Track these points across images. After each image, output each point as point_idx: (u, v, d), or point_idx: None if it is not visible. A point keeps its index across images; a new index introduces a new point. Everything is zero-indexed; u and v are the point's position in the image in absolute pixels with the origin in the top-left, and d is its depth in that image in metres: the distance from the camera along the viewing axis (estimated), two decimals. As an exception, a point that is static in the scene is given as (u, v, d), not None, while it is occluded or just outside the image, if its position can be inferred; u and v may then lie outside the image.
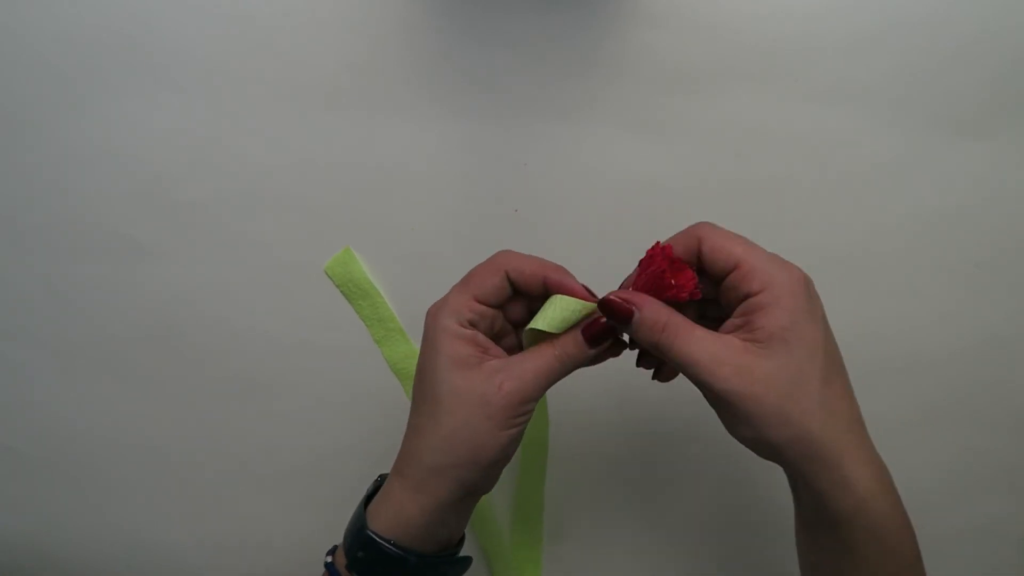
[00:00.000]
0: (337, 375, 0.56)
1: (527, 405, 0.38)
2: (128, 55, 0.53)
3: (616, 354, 0.41)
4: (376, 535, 0.39)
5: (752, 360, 0.35)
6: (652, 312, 0.37)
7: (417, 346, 0.55)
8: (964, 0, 0.52)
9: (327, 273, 0.55)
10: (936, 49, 0.52)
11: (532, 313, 0.41)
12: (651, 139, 0.54)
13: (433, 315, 0.40)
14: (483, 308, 0.40)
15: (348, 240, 0.55)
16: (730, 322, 0.38)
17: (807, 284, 0.37)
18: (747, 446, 0.37)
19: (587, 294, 0.39)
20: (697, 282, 0.38)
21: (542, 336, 0.40)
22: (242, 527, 0.57)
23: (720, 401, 0.36)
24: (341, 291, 0.55)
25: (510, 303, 0.42)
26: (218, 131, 0.54)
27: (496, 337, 0.42)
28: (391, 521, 0.39)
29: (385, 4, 0.53)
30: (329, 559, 0.41)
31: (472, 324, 0.40)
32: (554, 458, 0.56)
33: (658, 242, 0.39)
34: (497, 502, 0.56)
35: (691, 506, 0.56)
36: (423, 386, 0.40)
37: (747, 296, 0.36)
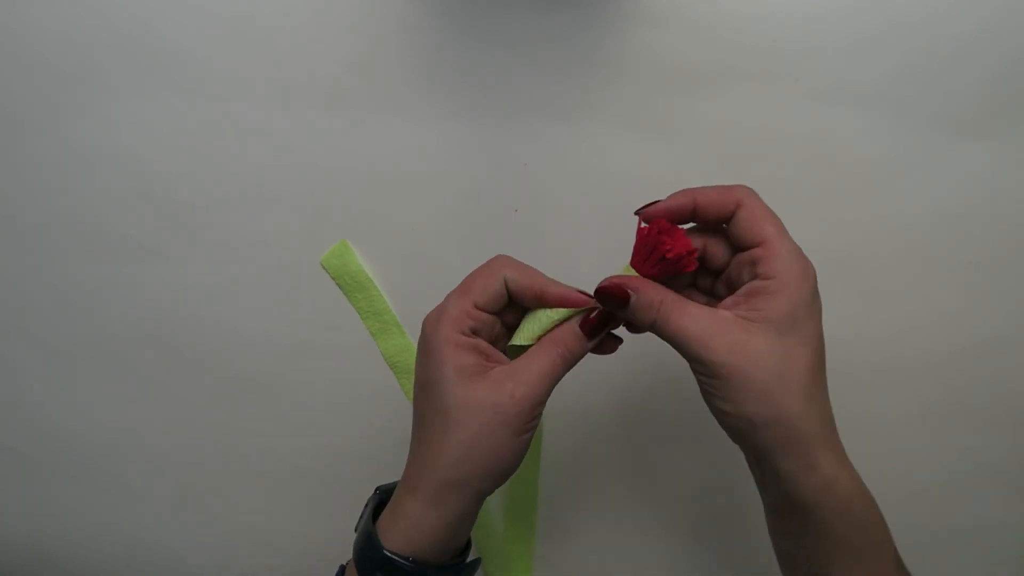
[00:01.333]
0: (338, 375, 0.56)
1: (539, 408, 0.38)
2: (128, 55, 0.53)
3: (612, 350, 0.41)
4: (394, 555, 0.38)
5: (744, 336, 0.36)
6: (647, 292, 0.38)
7: (413, 340, 0.55)
8: (964, 0, 0.52)
9: (323, 266, 0.55)
10: (936, 49, 0.52)
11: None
12: (651, 139, 0.54)
13: (432, 325, 0.39)
14: (484, 315, 0.40)
15: (348, 240, 0.55)
16: (730, 299, 0.38)
17: (815, 281, 0.38)
18: (723, 422, 0.38)
19: (585, 299, 0.40)
20: (693, 252, 0.38)
21: (524, 350, 0.40)
22: (242, 527, 0.57)
23: (709, 373, 0.36)
24: (337, 284, 0.55)
25: (507, 311, 0.42)
26: (218, 131, 0.54)
27: (494, 342, 0.41)
28: (406, 538, 0.38)
29: (385, 4, 0.53)
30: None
31: (474, 332, 0.39)
32: (547, 457, 0.56)
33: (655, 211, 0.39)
34: (489, 500, 0.56)
35: (686, 504, 0.56)
36: (429, 400, 0.39)
37: (758, 277, 0.37)
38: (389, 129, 0.54)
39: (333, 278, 0.55)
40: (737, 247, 0.39)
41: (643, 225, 0.39)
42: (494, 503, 0.56)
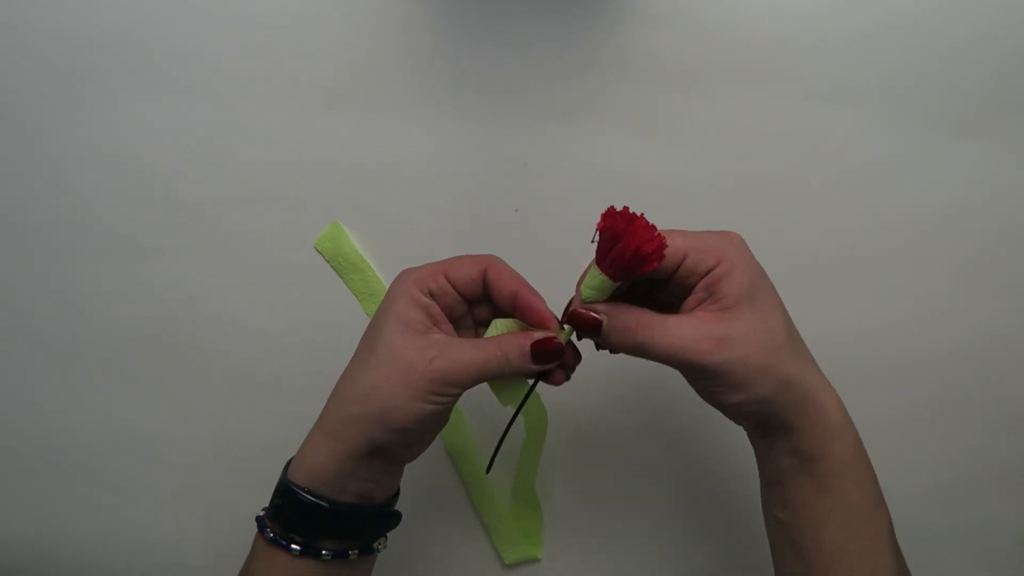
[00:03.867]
0: (339, 374, 0.56)
1: (450, 388, 0.38)
2: (128, 55, 0.53)
3: (559, 382, 0.41)
4: (291, 483, 0.40)
5: (728, 327, 0.37)
6: (620, 317, 0.38)
7: None
8: (964, 0, 0.52)
9: (316, 249, 0.55)
10: (936, 49, 0.52)
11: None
12: (651, 139, 0.54)
13: (401, 276, 0.41)
14: (449, 287, 0.40)
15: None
16: (693, 298, 0.38)
17: (747, 246, 0.39)
18: (734, 412, 0.39)
19: (550, 322, 0.39)
20: (659, 242, 0.35)
21: None
22: (242, 527, 0.57)
23: (709, 375, 0.37)
24: (332, 266, 0.55)
25: (480, 305, 0.42)
26: (218, 131, 0.54)
27: (455, 324, 0.42)
28: (304, 468, 0.40)
29: (385, 4, 0.53)
30: (261, 512, 0.42)
31: (432, 295, 0.40)
32: (556, 451, 0.56)
33: (610, 208, 0.36)
34: (496, 479, 0.56)
35: (695, 499, 0.56)
36: (366, 338, 0.41)
37: (705, 272, 0.38)
38: (389, 129, 0.54)
39: (327, 261, 0.55)
40: (669, 273, 0.39)
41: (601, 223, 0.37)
42: (500, 485, 0.56)
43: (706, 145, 0.54)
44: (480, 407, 0.56)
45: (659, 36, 0.53)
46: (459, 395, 0.39)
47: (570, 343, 0.40)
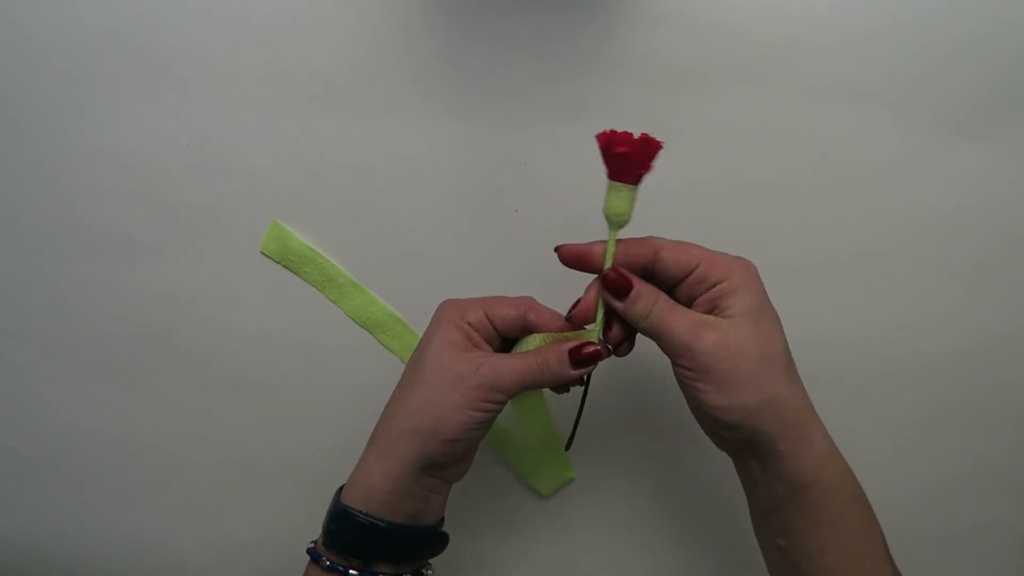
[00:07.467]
0: (337, 374, 0.56)
1: (496, 394, 0.40)
2: (128, 55, 0.53)
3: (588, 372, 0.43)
4: (347, 506, 0.41)
5: (727, 331, 0.39)
6: (647, 289, 0.41)
7: (374, 293, 0.56)
8: (964, 0, 0.52)
9: (264, 253, 0.55)
10: (936, 49, 0.52)
11: None
12: (651, 139, 0.54)
13: (444, 304, 0.44)
14: (487, 322, 0.43)
15: (349, 240, 0.55)
16: (696, 307, 0.41)
17: (758, 272, 0.41)
18: (718, 419, 0.39)
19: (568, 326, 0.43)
20: (651, 141, 0.40)
21: None
22: (242, 527, 0.57)
23: (698, 367, 0.38)
24: (283, 266, 0.55)
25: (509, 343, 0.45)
26: (217, 131, 0.54)
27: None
28: (360, 491, 0.41)
29: (385, 4, 0.53)
30: (311, 544, 0.43)
31: (471, 326, 0.43)
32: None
33: (605, 131, 0.41)
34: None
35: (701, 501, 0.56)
36: (413, 360, 0.43)
37: (712, 285, 0.40)
38: (389, 129, 0.54)
39: (278, 262, 0.55)
40: (677, 280, 0.41)
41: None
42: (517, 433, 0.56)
43: (706, 145, 0.54)
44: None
45: (659, 36, 0.53)
46: (503, 403, 0.41)
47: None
